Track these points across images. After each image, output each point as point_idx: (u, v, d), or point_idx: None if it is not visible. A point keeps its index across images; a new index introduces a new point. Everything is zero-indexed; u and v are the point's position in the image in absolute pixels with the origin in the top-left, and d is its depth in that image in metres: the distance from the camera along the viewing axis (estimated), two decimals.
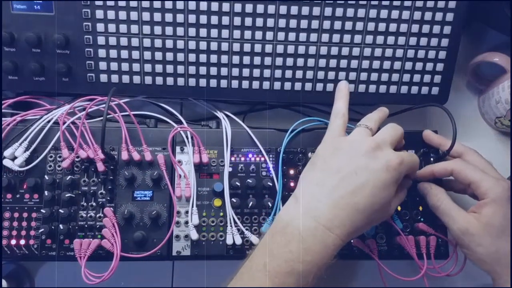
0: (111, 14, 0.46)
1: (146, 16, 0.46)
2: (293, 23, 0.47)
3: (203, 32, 0.47)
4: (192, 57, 0.48)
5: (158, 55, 0.48)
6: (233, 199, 0.47)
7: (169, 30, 0.47)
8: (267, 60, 0.48)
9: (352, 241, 0.48)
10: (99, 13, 0.46)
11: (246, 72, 0.49)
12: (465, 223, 0.42)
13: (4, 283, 0.50)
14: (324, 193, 0.38)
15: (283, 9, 0.47)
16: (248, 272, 0.38)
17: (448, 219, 0.44)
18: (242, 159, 0.49)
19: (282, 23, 0.47)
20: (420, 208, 0.49)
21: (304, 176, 0.41)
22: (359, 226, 0.38)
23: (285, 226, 0.38)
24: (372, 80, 0.50)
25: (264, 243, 0.39)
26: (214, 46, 0.47)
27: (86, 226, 0.47)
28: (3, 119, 0.48)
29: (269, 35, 0.47)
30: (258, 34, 0.47)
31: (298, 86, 0.50)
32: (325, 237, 0.37)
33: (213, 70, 0.48)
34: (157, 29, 0.47)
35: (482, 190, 0.42)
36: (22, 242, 0.46)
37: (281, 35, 0.48)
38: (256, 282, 0.36)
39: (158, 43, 0.47)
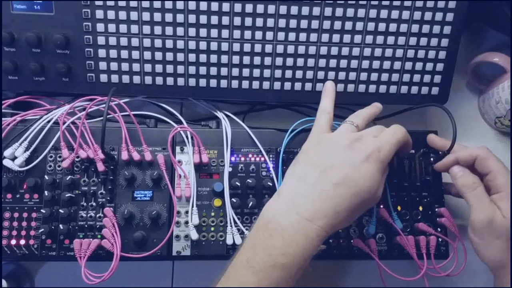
0: (111, 14, 0.46)
1: (146, 16, 0.46)
2: (293, 23, 0.47)
3: (203, 32, 0.47)
4: (192, 57, 0.48)
5: (158, 55, 0.48)
6: (233, 199, 0.47)
7: (169, 30, 0.47)
8: (267, 60, 0.48)
9: (352, 241, 0.48)
10: (99, 13, 0.46)
11: (246, 72, 0.49)
12: (492, 213, 0.42)
13: (4, 283, 0.50)
14: (306, 187, 0.39)
15: (283, 9, 0.47)
16: (233, 269, 0.38)
17: (478, 205, 0.43)
18: (242, 159, 0.49)
19: (282, 23, 0.47)
20: (420, 208, 0.49)
21: (288, 172, 0.42)
22: (344, 216, 0.38)
23: (267, 222, 0.38)
24: (372, 80, 0.50)
25: (248, 239, 0.39)
26: (214, 46, 0.47)
27: (86, 226, 0.47)
28: (3, 119, 0.48)
29: (269, 35, 0.47)
30: (258, 34, 0.47)
31: (298, 86, 0.50)
32: (307, 228, 0.37)
33: (213, 70, 0.48)
34: (157, 29, 0.47)
35: (499, 182, 0.43)
36: (22, 242, 0.46)
37: (281, 35, 0.48)
38: (241, 277, 0.37)
39: (158, 43, 0.47)
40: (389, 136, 0.41)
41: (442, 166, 0.47)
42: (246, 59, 0.48)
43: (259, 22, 0.47)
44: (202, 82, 0.49)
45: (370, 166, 0.39)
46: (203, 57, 0.48)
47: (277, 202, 0.40)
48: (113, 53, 0.47)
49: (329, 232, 0.38)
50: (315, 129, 0.43)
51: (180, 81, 0.49)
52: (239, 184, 0.48)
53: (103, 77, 0.48)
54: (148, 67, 0.48)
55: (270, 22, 0.47)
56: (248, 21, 0.47)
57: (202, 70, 0.48)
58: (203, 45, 0.47)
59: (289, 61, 0.49)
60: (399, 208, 0.49)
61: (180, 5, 0.46)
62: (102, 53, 0.47)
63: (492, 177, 0.43)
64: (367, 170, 0.39)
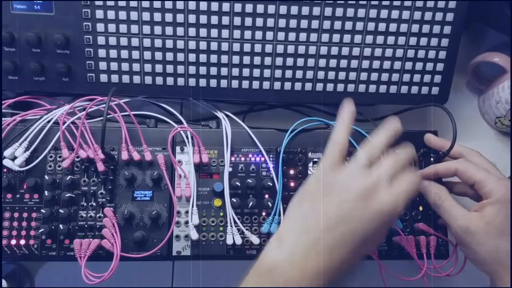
0: (111, 14, 0.46)
1: (146, 16, 0.46)
2: (293, 23, 0.47)
3: (203, 32, 0.47)
4: (192, 57, 0.48)
5: (158, 55, 0.48)
6: (233, 199, 0.47)
7: (169, 30, 0.47)
8: (267, 60, 0.48)
9: None
10: (99, 13, 0.46)
11: (246, 72, 0.49)
12: (466, 221, 0.42)
13: (4, 283, 0.50)
14: (310, 242, 0.36)
15: (283, 9, 0.47)
16: None
17: (449, 217, 0.43)
18: (242, 159, 0.49)
19: (282, 23, 0.47)
20: (420, 208, 0.49)
21: (290, 212, 0.38)
22: (346, 269, 0.36)
23: (271, 270, 0.36)
24: (372, 80, 0.50)
25: (250, 283, 0.37)
26: (214, 46, 0.47)
27: (86, 226, 0.47)
28: (3, 119, 0.48)
29: (269, 35, 0.47)
30: (258, 34, 0.47)
31: (298, 86, 0.50)
32: (311, 283, 0.35)
33: (213, 70, 0.48)
34: (157, 29, 0.47)
35: (486, 189, 0.42)
36: (22, 242, 0.46)
37: (281, 35, 0.48)
38: None
39: (158, 43, 0.47)
40: (406, 185, 0.36)
41: (422, 176, 0.47)
42: (246, 59, 0.48)
43: (259, 22, 0.47)
44: (202, 82, 0.49)
45: (381, 220, 0.36)
46: (203, 57, 0.48)
47: (279, 250, 0.37)
48: (113, 53, 0.47)
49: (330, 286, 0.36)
50: (325, 163, 0.38)
51: (180, 81, 0.49)
52: (239, 184, 0.48)
53: (103, 77, 0.48)
54: (148, 67, 0.48)
55: (270, 22, 0.47)
56: (248, 21, 0.47)
57: (202, 70, 0.48)
58: (203, 45, 0.47)
59: (289, 61, 0.49)
60: None
61: (180, 5, 0.46)
62: (102, 53, 0.47)
63: (479, 187, 0.43)
64: (377, 225, 0.35)
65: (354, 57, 0.49)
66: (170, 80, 0.49)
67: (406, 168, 0.38)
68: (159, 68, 0.48)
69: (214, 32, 0.47)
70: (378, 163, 0.37)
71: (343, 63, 0.49)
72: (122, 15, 0.46)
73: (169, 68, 0.48)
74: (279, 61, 0.48)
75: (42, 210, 0.46)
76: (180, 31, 0.47)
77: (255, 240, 0.47)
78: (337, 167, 0.38)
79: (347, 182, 0.36)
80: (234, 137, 0.49)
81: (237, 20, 0.47)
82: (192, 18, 0.46)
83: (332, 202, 0.36)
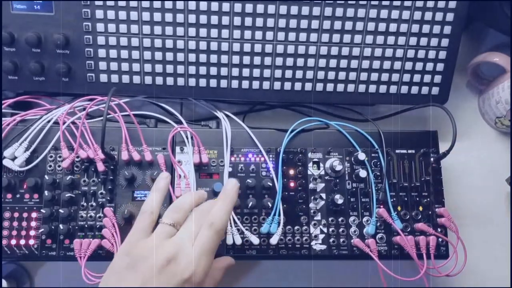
0: (111, 14, 0.46)
1: (146, 16, 0.46)
2: (293, 23, 0.47)
3: (203, 32, 0.47)
4: (192, 57, 0.48)
5: (158, 55, 0.48)
6: None
7: (169, 30, 0.47)
8: (267, 60, 0.48)
9: (352, 241, 0.48)
10: (99, 13, 0.46)
11: (246, 72, 0.49)
12: None
13: (4, 283, 0.50)
14: None
15: (283, 9, 0.47)
16: None
17: None
18: (242, 159, 0.49)
19: (282, 23, 0.47)
20: (420, 208, 0.49)
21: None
22: None
23: None
24: (372, 80, 0.50)
25: None
26: (214, 46, 0.47)
27: (86, 226, 0.47)
28: (3, 119, 0.48)
29: (269, 35, 0.47)
30: (258, 34, 0.47)
31: (298, 86, 0.50)
32: None
33: (213, 70, 0.48)
34: (157, 29, 0.47)
35: None
36: (22, 242, 0.46)
37: (281, 35, 0.48)
38: None
39: (158, 43, 0.47)
40: (201, 246, 0.37)
41: None
42: (246, 59, 0.48)
43: (259, 22, 0.47)
44: (202, 82, 0.49)
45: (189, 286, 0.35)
46: (203, 57, 0.48)
47: None
48: (113, 53, 0.47)
49: None
50: (132, 235, 0.38)
51: (180, 81, 0.49)
52: (239, 184, 0.47)
53: (103, 77, 0.48)
54: (148, 67, 0.48)
55: (270, 22, 0.47)
56: (248, 21, 0.47)
57: (202, 70, 0.48)
58: (203, 45, 0.47)
59: (289, 61, 0.49)
60: (399, 208, 0.49)
61: (180, 5, 0.46)
62: (102, 53, 0.47)
63: None
64: None
65: (354, 57, 0.49)
66: (170, 80, 0.49)
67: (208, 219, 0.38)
68: (159, 68, 0.48)
69: (214, 32, 0.47)
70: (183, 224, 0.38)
71: (343, 63, 0.49)
72: (122, 15, 0.46)
73: (169, 68, 0.48)
74: (279, 61, 0.48)
75: (42, 210, 0.46)
76: (180, 31, 0.47)
77: (254, 240, 0.47)
78: (142, 238, 0.37)
79: (149, 256, 0.36)
80: (234, 137, 0.49)
81: (237, 20, 0.47)
82: (192, 18, 0.46)
83: (136, 280, 0.35)
